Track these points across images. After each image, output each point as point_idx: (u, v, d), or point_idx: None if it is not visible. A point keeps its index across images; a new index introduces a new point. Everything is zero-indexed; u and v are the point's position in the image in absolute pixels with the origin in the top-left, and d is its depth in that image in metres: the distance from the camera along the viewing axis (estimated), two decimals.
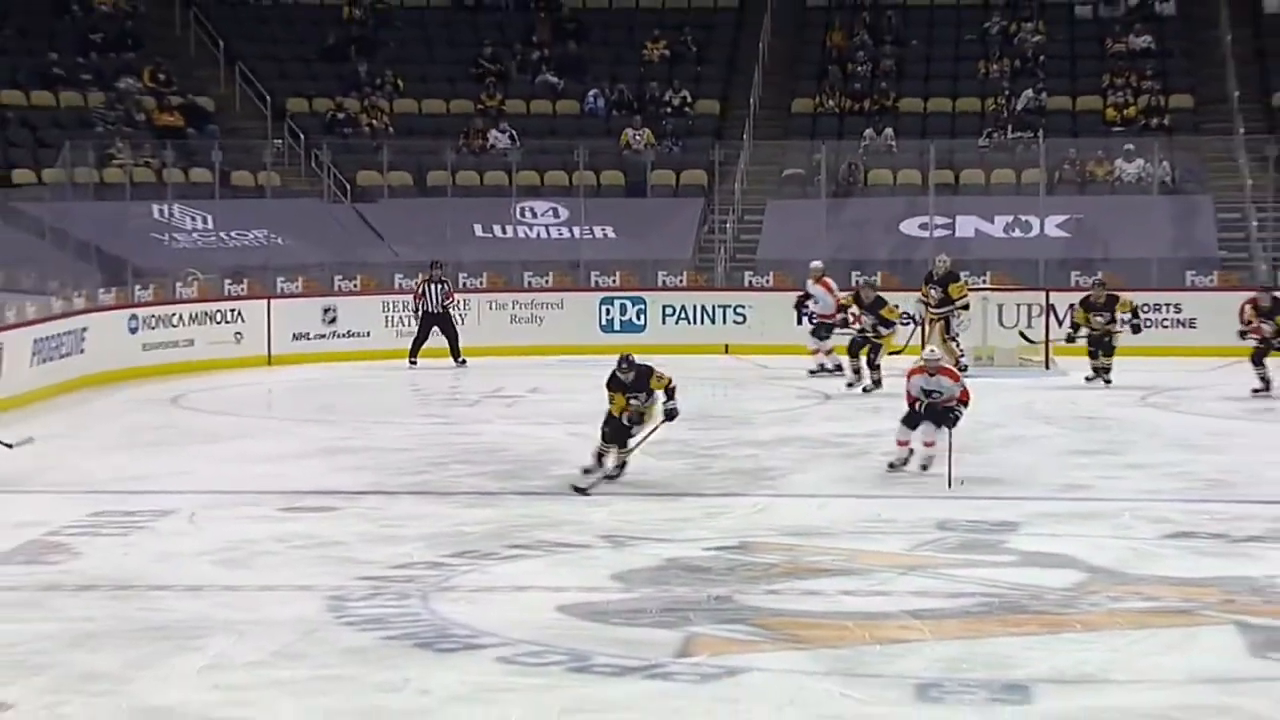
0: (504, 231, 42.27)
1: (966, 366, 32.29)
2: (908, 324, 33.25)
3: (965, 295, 34.76)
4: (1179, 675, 16.01)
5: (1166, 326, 37.73)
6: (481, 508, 23.47)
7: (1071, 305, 34.23)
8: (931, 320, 34.69)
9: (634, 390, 23.16)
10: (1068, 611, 18.26)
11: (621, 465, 23.39)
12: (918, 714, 14.98)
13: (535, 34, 49.62)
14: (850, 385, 32.92)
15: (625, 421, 23.39)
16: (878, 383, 32.65)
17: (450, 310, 36.95)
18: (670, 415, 23.56)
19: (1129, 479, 25.39)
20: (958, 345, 34.47)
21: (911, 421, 24.11)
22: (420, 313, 35.53)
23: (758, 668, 16.29)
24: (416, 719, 14.79)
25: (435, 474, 24.98)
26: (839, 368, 35.01)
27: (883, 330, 32.78)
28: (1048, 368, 34.09)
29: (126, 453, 28.47)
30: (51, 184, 40.59)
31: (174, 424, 31.16)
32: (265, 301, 38.36)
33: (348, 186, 43.96)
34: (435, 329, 36.80)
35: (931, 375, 23.73)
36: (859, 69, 48.08)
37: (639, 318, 30.92)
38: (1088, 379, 32.72)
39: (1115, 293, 33.34)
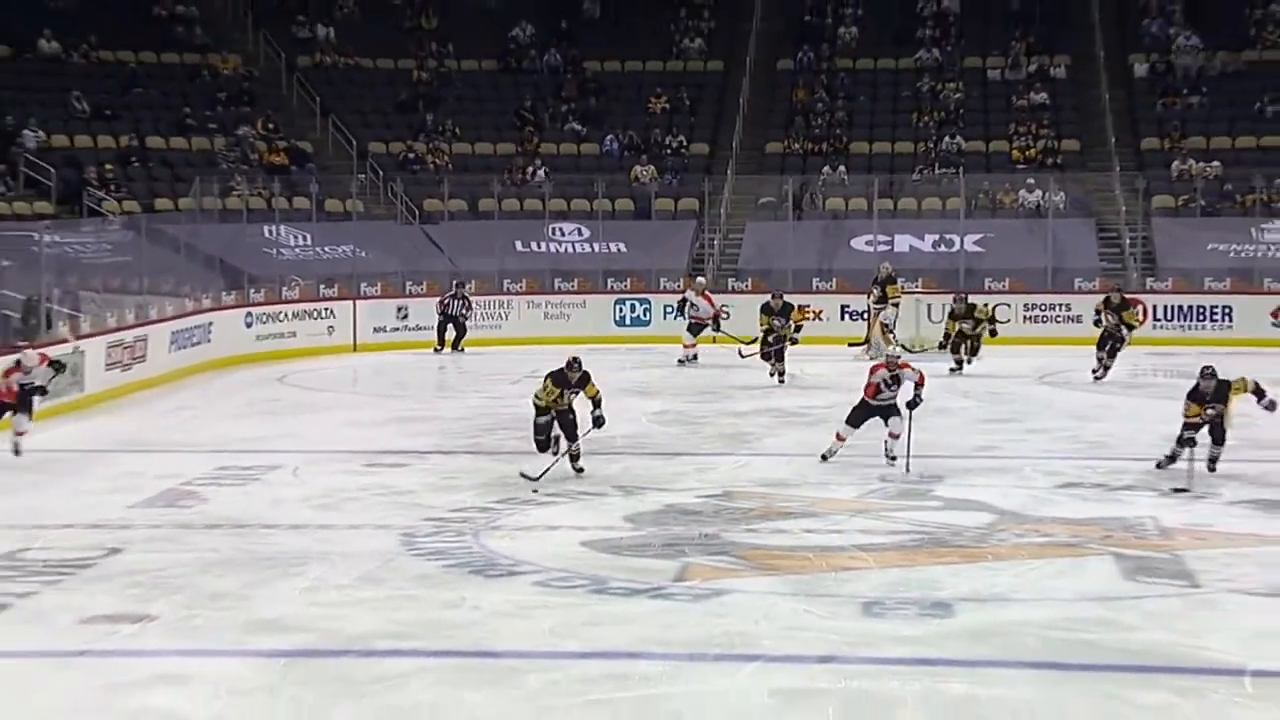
0: (539, 246, 42.21)
1: (899, 354, 32.12)
2: (798, 330, 32.36)
3: (899, 295, 34.65)
4: (1068, 595, 16.13)
5: (1058, 322, 37.66)
6: (510, 457, 23.44)
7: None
8: (875, 316, 33.92)
9: (573, 388, 21.90)
10: (981, 545, 18.33)
11: (575, 457, 22.11)
12: (864, 626, 15.17)
13: (564, 91, 49.58)
14: (780, 380, 32.07)
15: (552, 414, 22.02)
16: (781, 374, 31.97)
17: (464, 317, 36.69)
18: (598, 423, 22.17)
19: (1029, 441, 25.45)
20: (893, 336, 33.78)
21: (855, 420, 23.21)
22: (442, 314, 35.08)
23: (739, 590, 16.44)
24: (470, 630, 14.82)
25: (485, 438, 24.96)
26: (695, 358, 34.77)
27: (792, 332, 32.15)
28: (971, 354, 34.03)
29: (243, 420, 28.45)
30: (185, 210, 40.55)
31: (280, 398, 31.09)
32: (351, 302, 38.27)
33: (416, 212, 43.84)
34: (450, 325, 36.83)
35: (892, 371, 22.84)
36: (818, 119, 48.05)
37: (645, 315, 30.91)
38: (951, 370, 32.41)
39: (973, 303, 33.10)
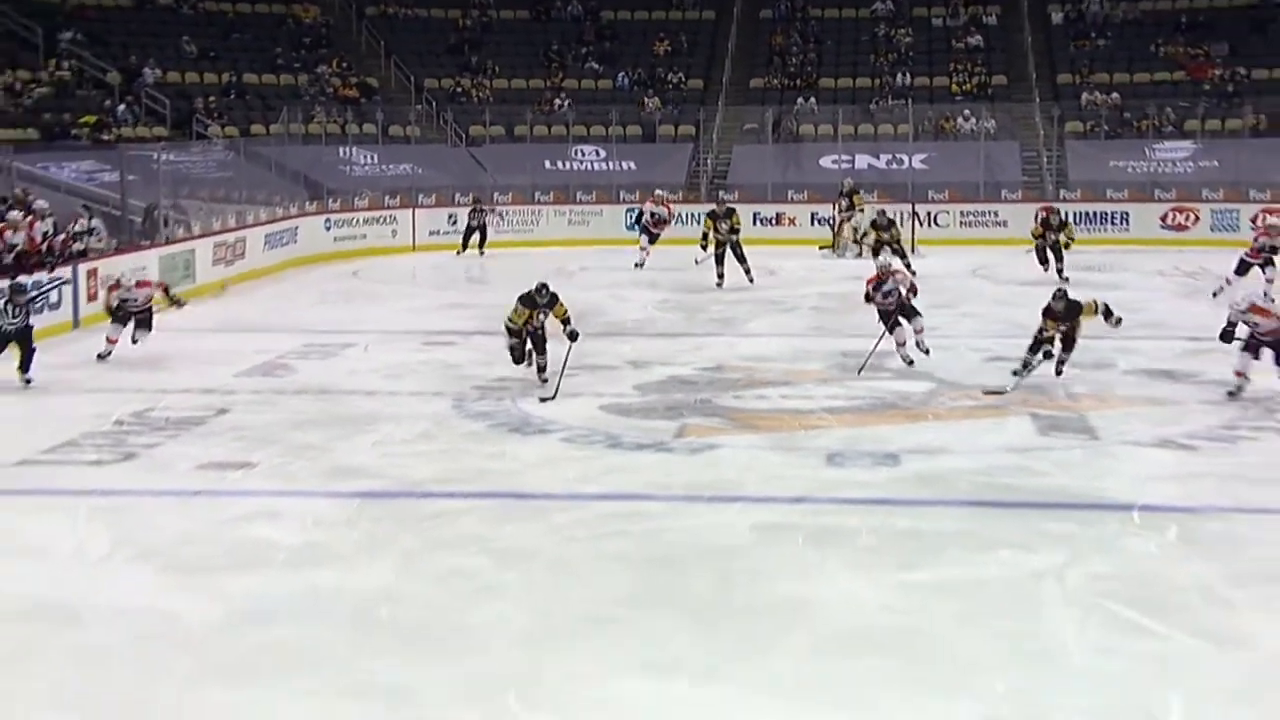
0: (563, 165, 42.02)
1: (861, 253, 32.01)
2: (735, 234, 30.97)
3: (863, 204, 34.39)
4: (992, 448, 16.29)
5: (988, 226, 37.41)
6: (551, 344, 23.47)
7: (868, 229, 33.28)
8: (842, 221, 33.57)
9: (542, 309, 19.53)
10: (924, 408, 18.45)
11: (542, 369, 19.94)
12: (828, 473, 15.33)
13: (584, 36, 49.34)
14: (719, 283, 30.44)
15: (527, 334, 19.69)
16: (721, 276, 30.37)
17: (486, 226, 36.17)
18: (573, 337, 19.82)
19: (964, 323, 25.34)
20: (860, 238, 33.45)
21: (889, 327, 20.99)
22: (469, 226, 34.64)
23: (727, 445, 16.61)
24: (508, 477, 14.98)
25: (503, 409, 24.97)
26: (641, 265, 33.12)
27: (734, 235, 30.43)
28: (914, 251, 33.76)
29: (323, 307, 28.48)
30: (275, 135, 40.39)
31: (353, 289, 31.07)
32: (411, 210, 38.10)
33: (463, 136, 43.63)
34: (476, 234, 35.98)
35: (888, 278, 21.09)
36: (792, 59, 47.82)
37: (725, 213, 30.29)
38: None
39: (890, 218, 32.11)
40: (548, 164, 42.17)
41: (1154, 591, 11.90)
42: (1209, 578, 12.31)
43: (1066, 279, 27.12)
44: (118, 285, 19.80)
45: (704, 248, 31.28)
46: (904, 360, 21.05)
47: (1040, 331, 19.30)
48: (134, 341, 20.25)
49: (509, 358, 20.12)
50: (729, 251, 30.07)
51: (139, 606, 11.73)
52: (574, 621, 11.36)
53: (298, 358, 22.34)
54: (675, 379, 20.66)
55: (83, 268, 25.62)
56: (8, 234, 24.26)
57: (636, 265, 32.45)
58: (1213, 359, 21.34)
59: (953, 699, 9.86)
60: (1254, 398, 18.89)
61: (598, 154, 43.05)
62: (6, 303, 18.92)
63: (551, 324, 20.10)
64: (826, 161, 41.73)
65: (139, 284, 19.46)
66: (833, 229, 35.40)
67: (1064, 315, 19.18)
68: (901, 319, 21.03)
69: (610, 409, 18.77)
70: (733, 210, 30.78)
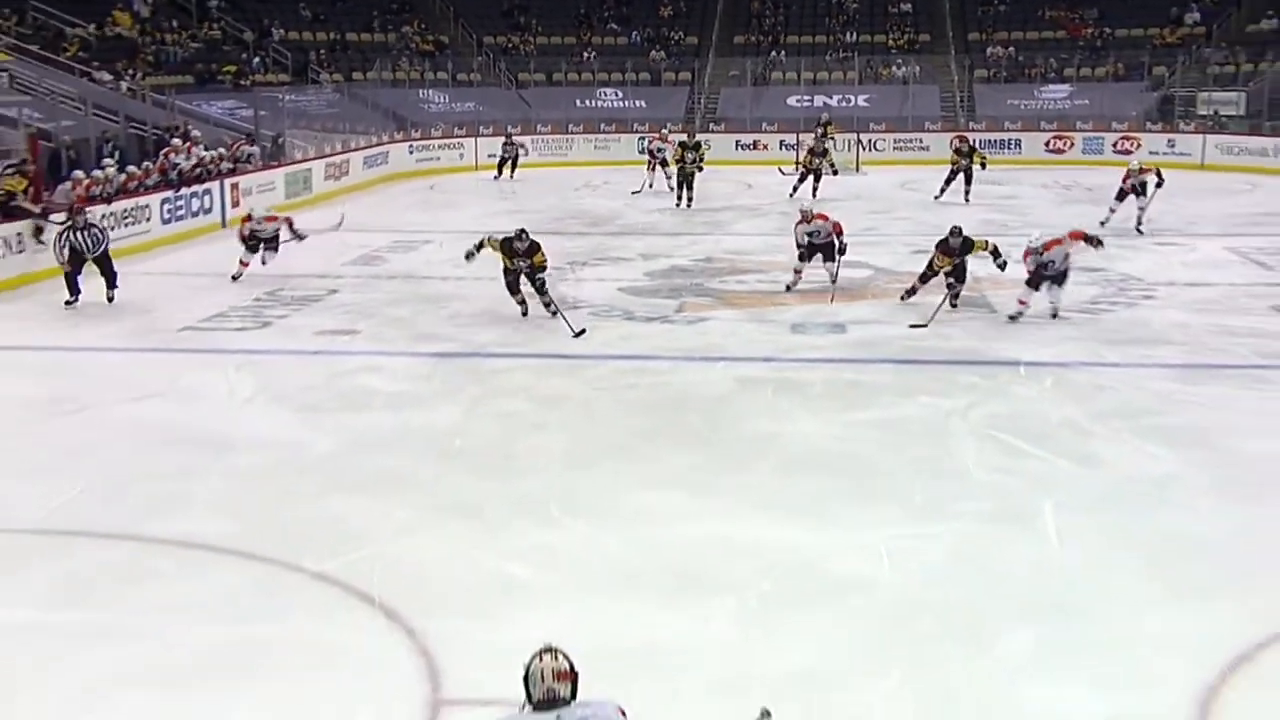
0: (591, 103, 41.48)
1: (836, 171, 31.16)
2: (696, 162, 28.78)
3: (834, 134, 33.56)
4: (916, 318, 16.12)
5: (914, 150, 37.02)
6: (580, 239, 23.42)
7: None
8: (815, 146, 30.65)
9: (523, 256, 16.05)
10: (865, 290, 18.39)
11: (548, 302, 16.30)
12: (791, 339, 15.37)
13: (606, 3, 48.67)
14: (688, 204, 28.44)
15: (514, 275, 16.08)
16: (690, 200, 28.20)
17: (518, 156, 34.61)
18: (540, 286, 16.16)
19: (895, 225, 25.10)
20: (834, 159, 31.54)
21: (803, 259, 18.07)
22: (502, 157, 33.73)
23: (715, 318, 16.73)
24: (550, 341, 15.00)
25: (556, 225, 24.89)
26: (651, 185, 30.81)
27: (700, 162, 28.52)
28: (858, 170, 33.40)
29: (408, 212, 28.26)
30: (371, 80, 40.11)
31: (430, 199, 30.85)
32: (474, 138, 37.71)
33: (514, 81, 43.16)
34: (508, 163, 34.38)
35: (809, 222, 17.73)
36: (766, 21, 47.25)
37: (694, 145, 29.72)
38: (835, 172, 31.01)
39: (826, 147, 30.71)
40: (578, 103, 41.76)
41: (1034, 425, 12.02)
42: (1075, 415, 12.43)
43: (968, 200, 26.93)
44: (249, 219, 18.73)
45: (667, 174, 30.02)
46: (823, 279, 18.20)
47: (931, 263, 16.94)
48: (264, 263, 19.12)
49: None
50: (689, 179, 28.41)
51: (276, 438, 11.93)
52: (599, 450, 11.56)
53: (389, 251, 22.30)
54: (675, 268, 20.58)
55: (228, 182, 25.72)
56: (173, 155, 24.44)
57: (634, 193, 30.72)
58: (1083, 252, 21.33)
59: (883, 505, 10.03)
60: (1109, 280, 18.96)
61: (616, 95, 42.68)
62: (81, 231, 17.36)
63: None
64: (791, 101, 41.34)
65: (268, 218, 18.60)
66: (797, 153, 34.92)
67: (958, 251, 16.59)
68: (822, 255, 17.97)
69: (626, 290, 18.79)
70: (700, 144, 29.51)
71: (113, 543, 9.46)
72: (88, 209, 19.08)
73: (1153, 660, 7.55)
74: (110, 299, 17.45)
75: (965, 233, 16.74)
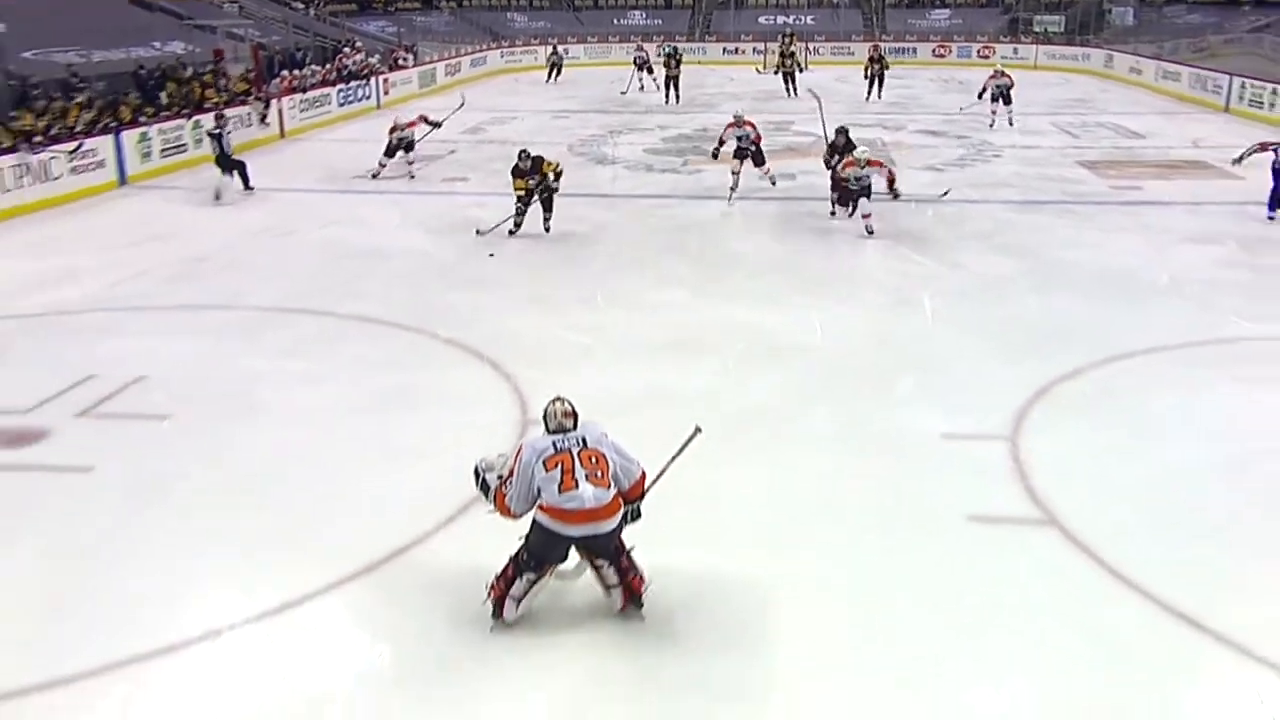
0: (622, 21, 40.19)
1: (803, 69, 28.72)
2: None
3: (794, 45, 31.97)
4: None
5: (845, 55, 35.80)
6: (616, 116, 22.98)
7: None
8: (782, 51, 28.21)
9: (530, 174, 12.18)
10: (810, 150, 18.01)
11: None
12: (759, 183, 14.81)
13: None
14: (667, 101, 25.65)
15: (528, 195, 12.19)
16: (677, 98, 25.28)
17: (559, 62, 31.44)
18: (544, 196, 12.38)
19: (833, 106, 24.39)
20: (798, 62, 28.55)
21: (738, 157, 14.25)
22: (550, 63, 31.20)
23: (707, 169, 16.15)
24: (598, 185, 14.80)
25: (599, 106, 24.38)
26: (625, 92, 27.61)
27: (679, 68, 25.50)
28: (806, 68, 32.10)
29: (500, 97, 27.51)
30: (475, 6, 39.08)
31: (516, 89, 30.13)
32: (546, 45, 36.62)
33: (571, 5, 41.74)
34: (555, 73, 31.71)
35: (740, 126, 14.21)
36: None
37: (674, 54, 28.68)
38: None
39: (793, 51, 28.22)
40: (614, 21, 40.56)
41: (920, 242, 11.98)
42: (947, 235, 12.37)
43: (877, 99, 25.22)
44: (396, 128, 16.18)
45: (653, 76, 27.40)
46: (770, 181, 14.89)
47: (836, 170, 13.07)
48: (409, 164, 16.22)
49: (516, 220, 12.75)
50: (674, 80, 25.61)
51: (416, 250, 11.96)
52: (629, 260, 11.54)
53: (488, 124, 21.82)
54: (682, 135, 20.09)
55: (380, 78, 25.08)
56: (344, 59, 24.43)
57: (621, 93, 27.46)
58: (955, 125, 21.02)
59: (818, 297, 10.06)
60: (972, 144, 18.68)
61: (641, 15, 41.37)
62: (209, 137, 15.12)
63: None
64: (761, 19, 40.17)
65: (409, 124, 16.36)
66: (764, 56, 33.75)
67: (843, 150, 13.06)
68: (752, 160, 14.39)
69: (648, 151, 18.41)
70: (680, 53, 26.48)
71: (317, 317, 9.58)
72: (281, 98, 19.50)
73: (986, 395, 7.71)
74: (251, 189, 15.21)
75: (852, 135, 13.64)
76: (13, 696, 4.60)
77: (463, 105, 19.33)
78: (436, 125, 16.58)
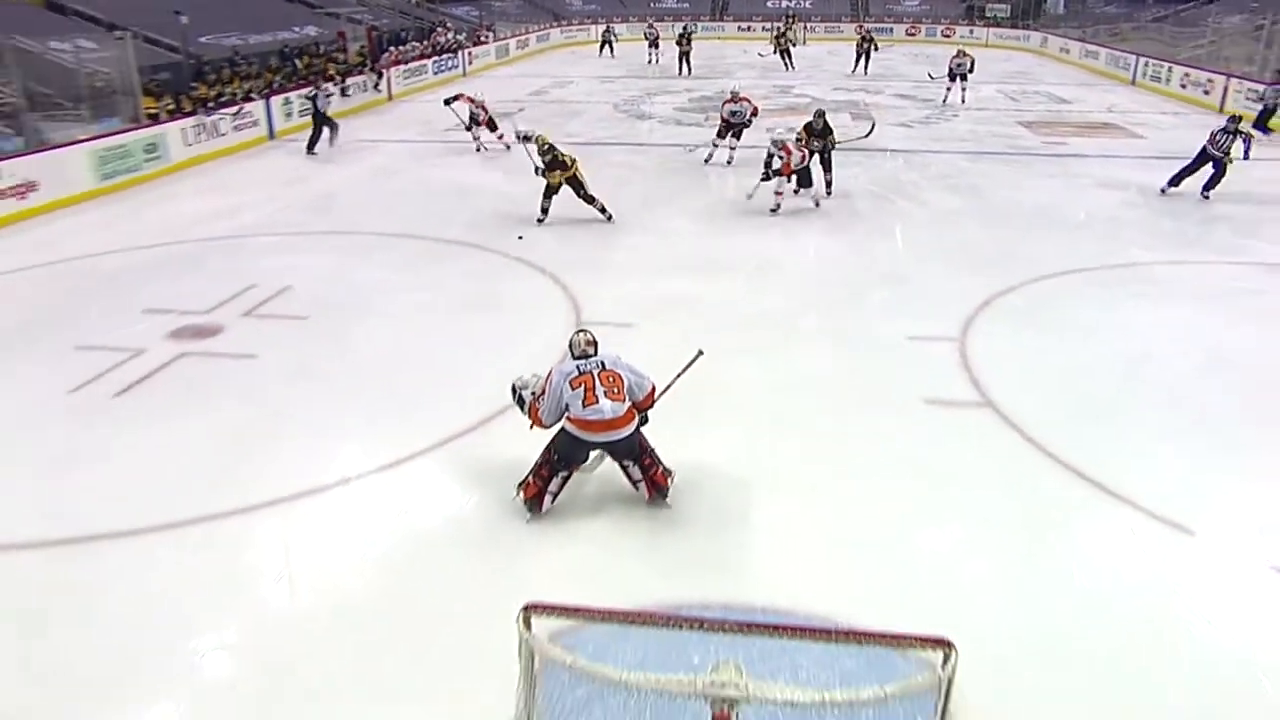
0: (656, 4, 39.05)
1: (796, 44, 26.46)
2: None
3: (794, 23, 30.66)
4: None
5: (835, 33, 34.87)
6: (652, 81, 22.42)
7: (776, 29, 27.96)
8: (784, 30, 26.41)
9: (556, 168, 9.59)
10: (806, 109, 17.62)
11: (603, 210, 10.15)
12: (765, 135, 14.52)
13: None
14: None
15: (558, 186, 9.79)
16: (689, 70, 23.39)
17: (611, 39, 29.00)
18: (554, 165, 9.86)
19: (822, 75, 23.86)
20: (793, 39, 26.13)
21: (721, 134, 12.50)
22: (603, 40, 29.41)
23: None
24: (636, 135, 14.50)
25: (638, 73, 23.76)
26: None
27: (690, 44, 23.75)
28: (804, 43, 31.18)
29: (562, 65, 26.85)
30: None
31: (573, 59, 29.31)
32: (596, 25, 35.76)
33: None
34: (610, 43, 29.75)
35: (736, 102, 12.41)
36: None
37: (685, 32, 27.49)
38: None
39: (793, 25, 28.04)
40: (650, 4, 39.08)
41: (892, 184, 11.72)
42: (915, 179, 12.09)
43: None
44: (472, 100, 14.05)
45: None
46: (723, 160, 12.76)
47: (797, 140, 10.60)
48: (500, 138, 14.05)
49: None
50: (686, 56, 23.74)
51: (494, 188, 11.75)
52: (657, 197, 11.29)
53: (550, 88, 21.24)
54: (704, 97, 19.42)
55: (465, 51, 24.34)
56: (437, 37, 23.90)
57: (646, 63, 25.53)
58: (923, 90, 20.42)
59: (811, 229, 9.86)
60: (934, 106, 18.19)
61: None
62: (308, 100, 14.46)
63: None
64: (769, 2, 38.55)
65: (479, 104, 13.92)
66: (771, 33, 32.45)
67: (820, 132, 10.72)
68: (734, 135, 12.51)
69: (678, 109, 17.88)
70: (688, 28, 25.02)
71: (418, 240, 9.57)
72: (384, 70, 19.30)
73: (941, 305, 7.63)
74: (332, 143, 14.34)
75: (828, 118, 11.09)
76: (210, 519, 4.82)
77: (516, 134, 17.00)
78: (493, 128, 13.98)
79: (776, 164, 10.19)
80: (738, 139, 12.67)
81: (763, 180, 10.45)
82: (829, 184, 11.00)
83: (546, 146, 9.83)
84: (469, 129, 14.06)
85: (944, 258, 8.94)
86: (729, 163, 12.55)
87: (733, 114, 12.64)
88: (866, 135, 12.58)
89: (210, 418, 5.87)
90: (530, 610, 2.86)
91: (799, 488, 5.05)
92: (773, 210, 10.31)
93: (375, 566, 4.49)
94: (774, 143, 10.23)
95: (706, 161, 12.65)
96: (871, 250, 9.22)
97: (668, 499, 4.87)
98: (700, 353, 5.15)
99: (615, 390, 4.67)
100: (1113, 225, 10.02)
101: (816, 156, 10.84)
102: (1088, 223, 10.15)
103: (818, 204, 10.67)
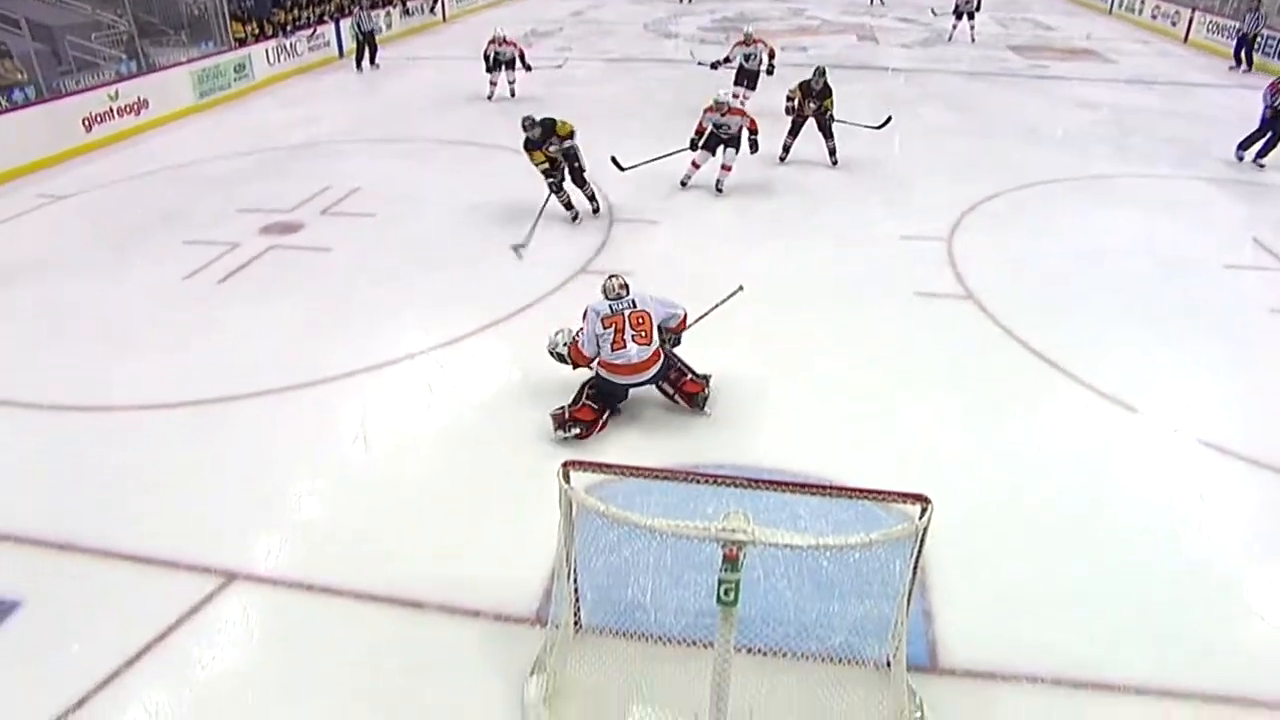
0: None
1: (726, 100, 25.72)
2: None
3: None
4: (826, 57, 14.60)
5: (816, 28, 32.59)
6: (673, 3, 21.39)
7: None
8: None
9: (544, 142, 6.89)
10: (819, 29, 16.70)
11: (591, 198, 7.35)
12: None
13: None
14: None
15: (553, 165, 6.98)
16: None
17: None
18: (569, 156, 7.11)
19: (835, 3, 22.72)
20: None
21: (694, 146, 7.85)
22: None
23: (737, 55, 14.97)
24: (662, 51, 13.89)
25: (660, 27, 22.63)
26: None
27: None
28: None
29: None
30: None
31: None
32: None
33: None
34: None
35: (723, 115, 7.59)
36: None
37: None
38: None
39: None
40: None
41: (893, 101, 11.08)
42: (914, 95, 11.46)
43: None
44: (495, 41, 11.79)
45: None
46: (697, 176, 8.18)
47: (794, 101, 8.40)
48: (511, 93, 11.56)
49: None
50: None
51: (534, 98, 11.23)
52: (685, 106, 10.51)
53: (587, 9, 20.22)
54: (725, 18, 18.35)
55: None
56: None
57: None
58: (924, 16, 19.27)
59: (813, 143, 9.53)
60: (937, 32, 17.18)
61: None
62: (357, 20, 13.81)
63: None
64: None
65: (508, 43, 11.75)
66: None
67: (818, 94, 8.28)
68: (723, 147, 7.79)
69: (700, 28, 17.03)
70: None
71: (467, 146, 9.36)
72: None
73: (933, 208, 7.42)
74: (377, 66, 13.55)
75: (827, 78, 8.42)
76: (293, 389, 4.86)
77: (562, 64, 13.54)
78: (527, 68, 11.70)
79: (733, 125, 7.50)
80: (736, 149, 7.75)
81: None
82: (832, 151, 8.32)
83: (529, 124, 6.84)
84: (490, 70, 11.34)
85: (937, 166, 8.59)
86: (719, 189, 7.79)
87: (719, 126, 7.69)
88: (881, 126, 8.87)
89: (296, 301, 5.89)
90: (569, 466, 2.90)
91: (799, 367, 4.99)
92: (681, 183, 7.76)
93: (436, 430, 4.48)
94: (716, 103, 7.51)
95: (683, 185, 8.01)
96: (875, 157, 8.83)
97: (706, 408, 4.52)
98: (740, 288, 4.99)
99: (643, 334, 4.37)
100: (1086, 141, 9.67)
101: (812, 121, 8.24)
102: (1065, 138, 9.77)
103: (835, 162, 8.37)
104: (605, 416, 4.46)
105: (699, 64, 11.75)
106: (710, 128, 7.69)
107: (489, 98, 11.19)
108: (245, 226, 7.20)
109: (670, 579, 3.05)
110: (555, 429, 4.33)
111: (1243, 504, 3.99)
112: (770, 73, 10.10)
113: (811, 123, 8.43)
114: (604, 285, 4.49)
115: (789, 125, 8.47)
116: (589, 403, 4.42)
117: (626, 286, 4.49)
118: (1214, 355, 5.19)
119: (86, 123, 9.50)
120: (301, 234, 7.08)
